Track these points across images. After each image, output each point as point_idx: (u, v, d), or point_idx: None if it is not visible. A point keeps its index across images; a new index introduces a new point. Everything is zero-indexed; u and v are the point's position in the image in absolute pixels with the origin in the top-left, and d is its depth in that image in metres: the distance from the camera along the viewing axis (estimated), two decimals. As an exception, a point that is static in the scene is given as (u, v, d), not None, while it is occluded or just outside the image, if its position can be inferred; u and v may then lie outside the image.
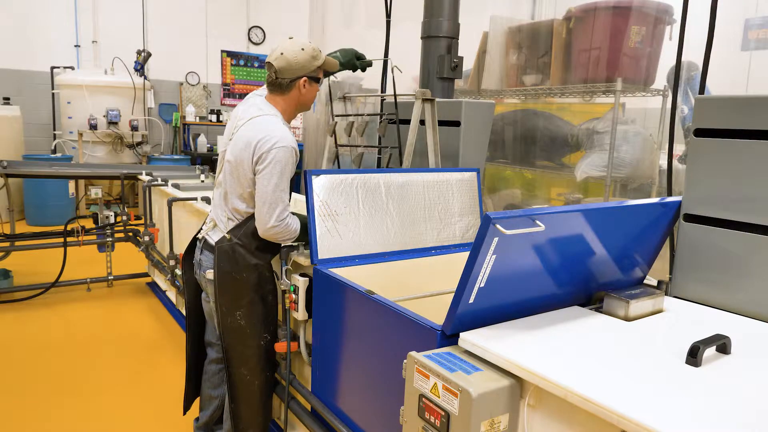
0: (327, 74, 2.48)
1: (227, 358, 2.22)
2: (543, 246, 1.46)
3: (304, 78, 2.13)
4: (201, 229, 2.37)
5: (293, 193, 4.25)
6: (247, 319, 2.17)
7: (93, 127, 7.59)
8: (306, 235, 2.14)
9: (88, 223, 4.77)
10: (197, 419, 2.54)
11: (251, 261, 2.15)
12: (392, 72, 2.81)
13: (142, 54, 8.10)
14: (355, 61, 2.63)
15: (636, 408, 1.07)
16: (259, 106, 2.16)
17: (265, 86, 2.26)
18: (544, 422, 1.25)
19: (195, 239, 2.39)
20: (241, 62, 9.17)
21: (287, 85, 2.14)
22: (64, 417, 2.88)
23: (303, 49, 2.11)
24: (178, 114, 8.77)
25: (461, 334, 1.40)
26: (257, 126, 2.08)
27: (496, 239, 1.31)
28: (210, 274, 2.19)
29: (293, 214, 2.16)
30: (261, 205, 2.05)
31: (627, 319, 1.57)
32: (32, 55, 7.99)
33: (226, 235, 2.15)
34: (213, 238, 2.21)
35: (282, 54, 2.10)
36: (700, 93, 2.15)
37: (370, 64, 2.69)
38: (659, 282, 1.89)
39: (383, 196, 2.26)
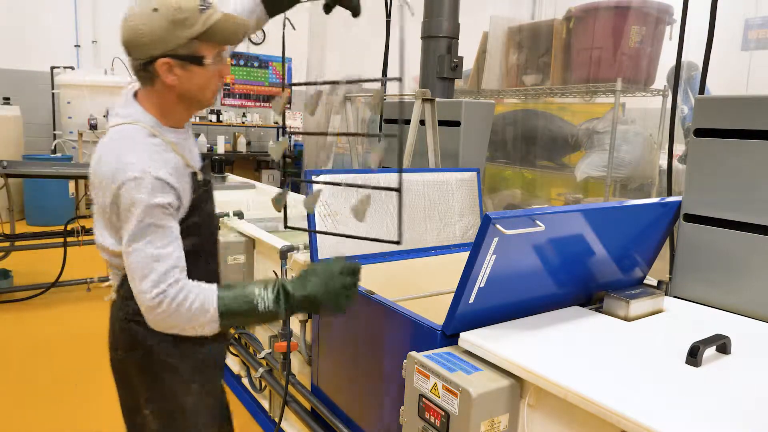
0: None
1: None
2: (543, 246, 1.46)
3: (165, 60, 1.30)
4: None
5: (294, 194, 4.25)
6: (160, 419, 1.49)
7: (93, 127, 7.58)
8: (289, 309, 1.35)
9: (88, 223, 4.75)
10: None
11: (145, 330, 1.35)
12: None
13: (142, 54, 8.09)
14: None
15: (636, 408, 1.07)
16: (121, 105, 1.41)
17: None
18: (544, 422, 1.25)
19: None
20: (241, 62, 9.17)
21: (142, 71, 1.34)
22: (64, 416, 2.88)
23: (156, 10, 1.27)
24: (178, 114, 8.77)
25: (461, 334, 1.40)
26: (109, 144, 1.34)
27: (496, 239, 1.30)
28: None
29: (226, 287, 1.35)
30: (130, 278, 1.30)
31: (627, 319, 1.57)
32: (32, 55, 7.99)
33: (114, 294, 1.48)
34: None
35: (126, 19, 1.31)
36: (700, 93, 2.15)
37: None
38: (659, 282, 1.88)
39: (383, 196, 2.26)
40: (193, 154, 1.46)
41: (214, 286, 1.33)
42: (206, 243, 1.50)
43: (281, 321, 2.28)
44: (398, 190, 1.47)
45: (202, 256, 1.47)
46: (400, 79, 1.64)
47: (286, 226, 1.80)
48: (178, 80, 1.33)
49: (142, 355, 1.43)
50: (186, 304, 1.26)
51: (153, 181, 1.26)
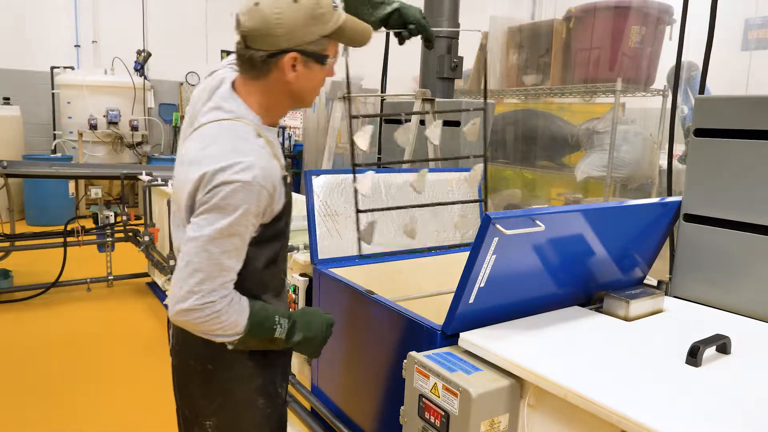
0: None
1: None
2: (543, 246, 1.46)
3: (293, 55, 1.25)
4: None
5: (294, 194, 4.25)
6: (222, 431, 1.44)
7: (93, 127, 7.59)
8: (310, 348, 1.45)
9: (88, 223, 4.78)
10: None
11: (227, 350, 1.34)
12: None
13: (142, 54, 8.11)
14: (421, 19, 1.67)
15: (636, 408, 1.06)
16: (218, 100, 1.32)
17: None
18: (544, 422, 1.25)
19: None
20: (241, 62, 9.17)
21: (262, 63, 1.26)
22: (64, 417, 2.88)
23: (296, 1, 1.21)
24: (178, 114, 8.78)
25: (461, 334, 1.40)
26: (207, 141, 1.26)
27: (496, 239, 1.30)
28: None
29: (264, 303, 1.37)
30: (184, 268, 1.22)
31: (627, 319, 1.57)
32: (32, 55, 8.00)
33: None
34: None
35: (257, 5, 1.21)
36: (700, 93, 2.15)
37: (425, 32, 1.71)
38: (659, 282, 1.88)
39: (383, 196, 2.26)
40: (281, 154, 1.39)
41: (248, 305, 1.30)
42: (285, 245, 1.48)
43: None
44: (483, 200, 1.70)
45: (280, 259, 1.45)
46: (484, 109, 1.70)
47: (360, 256, 1.84)
48: (297, 77, 1.27)
49: (214, 366, 1.38)
50: (223, 317, 1.24)
51: (260, 189, 1.21)
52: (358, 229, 1.73)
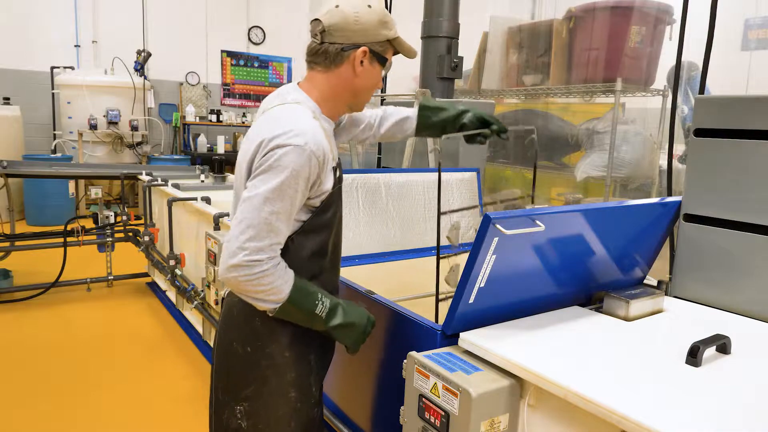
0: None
1: None
2: (543, 246, 1.46)
3: (364, 49, 1.43)
4: None
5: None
6: (251, 419, 1.48)
7: (93, 127, 7.58)
8: (350, 335, 1.48)
9: (88, 223, 4.78)
10: None
11: (264, 328, 1.45)
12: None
13: (142, 54, 8.10)
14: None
15: (636, 408, 1.07)
16: (283, 93, 1.49)
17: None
18: (544, 422, 1.25)
19: None
20: (241, 62, 9.17)
21: (336, 55, 1.43)
22: (64, 417, 2.88)
23: (370, 6, 1.43)
24: (178, 114, 8.78)
25: (461, 334, 1.40)
26: (269, 119, 1.41)
27: (496, 239, 1.31)
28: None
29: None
30: (237, 225, 1.33)
31: (627, 319, 1.57)
32: (32, 55, 7.99)
33: None
34: None
35: (338, 7, 1.41)
36: (700, 93, 2.15)
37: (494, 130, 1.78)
38: (659, 282, 1.88)
39: (383, 196, 2.26)
40: (336, 149, 1.52)
41: (293, 276, 1.39)
42: (338, 243, 1.56)
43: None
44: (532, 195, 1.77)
45: (330, 253, 1.53)
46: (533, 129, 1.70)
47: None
48: (362, 71, 1.45)
49: (254, 350, 1.46)
50: (268, 279, 1.33)
51: (310, 153, 1.32)
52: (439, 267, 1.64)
